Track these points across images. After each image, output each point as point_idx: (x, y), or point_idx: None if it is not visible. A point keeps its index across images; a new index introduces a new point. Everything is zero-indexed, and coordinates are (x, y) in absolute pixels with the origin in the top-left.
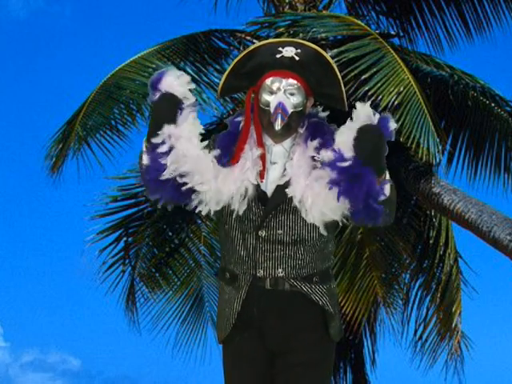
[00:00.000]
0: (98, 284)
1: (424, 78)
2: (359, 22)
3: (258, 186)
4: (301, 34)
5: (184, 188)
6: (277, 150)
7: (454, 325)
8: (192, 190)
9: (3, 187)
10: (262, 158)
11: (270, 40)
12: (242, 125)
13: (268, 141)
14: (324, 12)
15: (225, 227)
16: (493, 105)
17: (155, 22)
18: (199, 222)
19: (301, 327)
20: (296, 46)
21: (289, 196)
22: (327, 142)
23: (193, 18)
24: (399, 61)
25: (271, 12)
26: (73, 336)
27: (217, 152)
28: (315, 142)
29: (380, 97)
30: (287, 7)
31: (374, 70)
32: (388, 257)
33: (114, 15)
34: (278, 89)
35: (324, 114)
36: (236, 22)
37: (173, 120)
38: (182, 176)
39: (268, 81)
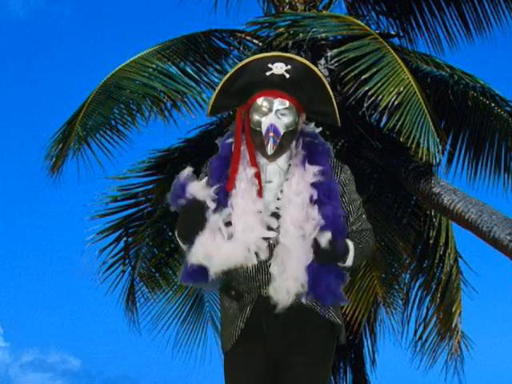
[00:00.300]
0: (98, 284)
1: (424, 78)
2: (359, 22)
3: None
4: (301, 34)
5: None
6: (271, 169)
7: (454, 325)
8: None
9: (3, 187)
10: (257, 176)
11: (259, 55)
12: (233, 146)
13: (262, 159)
14: (324, 12)
15: None
16: (493, 105)
17: (155, 21)
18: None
19: (304, 334)
20: (286, 61)
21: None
22: (324, 166)
23: (193, 17)
24: (399, 61)
25: (271, 12)
26: (73, 336)
27: (211, 178)
28: (314, 169)
29: (380, 97)
30: (287, 7)
31: (374, 70)
32: (388, 257)
33: (114, 15)
34: (269, 109)
35: (317, 130)
36: (236, 22)
37: (202, 227)
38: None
39: (259, 101)
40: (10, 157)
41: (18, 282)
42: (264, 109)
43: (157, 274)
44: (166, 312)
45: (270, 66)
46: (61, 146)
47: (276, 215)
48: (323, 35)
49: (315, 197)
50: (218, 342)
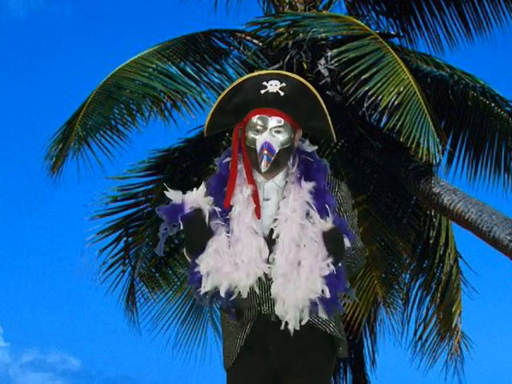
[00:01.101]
0: (98, 284)
1: (424, 78)
2: (359, 22)
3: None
4: (301, 34)
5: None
6: (269, 187)
7: (454, 325)
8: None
9: (3, 187)
10: (255, 195)
11: (254, 73)
12: (230, 164)
13: (259, 177)
14: (324, 12)
15: None
16: (493, 105)
17: (155, 21)
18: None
19: (305, 350)
20: (281, 78)
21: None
22: (320, 183)
23: (193, 17)
24: (399, 61)
25: (271, 12)
26: (73, 336)
27: (211, 197)
28: (310, 185)
29: (380, 97)
30: (287, 7)
31: (374, 70)
32: (388, 257)
33: (114, 15)
34: (264, 127)
35: (313, 148)
36: (236, 22)
37: (210, 235)
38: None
39: (253, 119)
40: (10, 157)
41: (18, 282)
42: (259, 127)
43: (157, 274)
44: (166, 312)
45: (264, 83)
46: (61, 146)
47: (273, 233)
48: (323, 35)
49: (312, 213)
50: (222, 346)
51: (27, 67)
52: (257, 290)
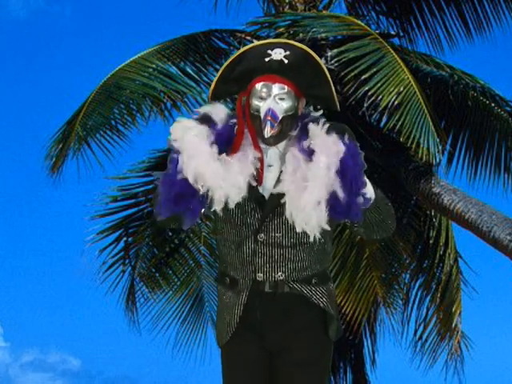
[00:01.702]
0: (98, 284)
1: (424, 78)
2: (359, 22)
3: (256, 190)
4: (301, 34)
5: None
6: (272, 153)
7: (454, 325)
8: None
9: (3, 187)
10: (260, 159)
11: (258, 42)
12: (236, 128)
13: (262, 144)
14: (324, 12)
15: (223, 232)
16: (493, 105)
17: (155, 21)
18: (199, 221)
19: (300, 327)
20: (285, 47)
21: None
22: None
23: (193, 17)
24: (399, 61)
25: (271, 12)
26: (73, 336)
27: (213, 137)
28: (309, 141)
29: (380, 97)
30: (287, 7)
31: (374, 70)
32: (388, 257)
33: (114, 15)
34: (268, 94)
35: (317, 114)
36: (236, 22)
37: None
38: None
39: (257, 86)
40: (10, 157)
41: (18, 282)
42: (263, 94)
43: (157, 274)
44: (166, 312)
45: (269, 52)
46: (61, 146)
47: (274, 196)
48: (323, 35)
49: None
50: (215, 333)
51: (27, 67)
52: (248, 252)
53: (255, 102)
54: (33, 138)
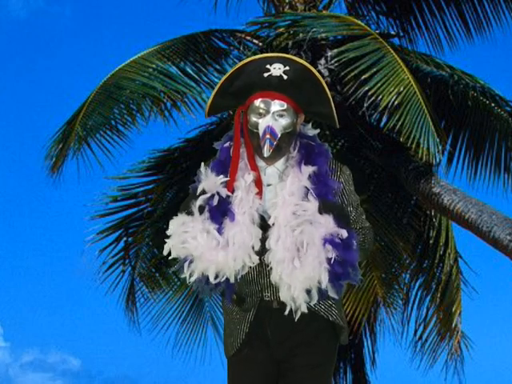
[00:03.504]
0: (98, 284)
1: (424, 78)
2: (359, 22)
3: (257, 211)
4: (301, 34)
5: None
6: (270, 172)
7: (454, 325)
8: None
9: (3, 187)
10: (258, 182)
11: (258, 56)
12: (232, 149)
13: (260, 162)
14: (324, 12)
15: None
16: (493, 105)
17: (155, 22)
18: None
19: (310, 338)
20: (284, 62)
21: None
22: (321, 167)
23: (193, 17)
24: (399, 61)
25: (271, 12)
26: (73, 336)
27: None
28: (310, 170)
29: (380, 97)
30: (287, 7)
31: (374, 70)
32: (388, 257)
33: (114, 15)
34: (267, 111)
35: (315, 132)
36: (236, 22)
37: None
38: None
39: (256, 102)
40: (10, 157)
41: (18, 282)
42: (261, 110)
43: (157, 274)
44: (166, 312)
45: (268, 67)
46: (61, 146)
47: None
48: (323, 35)
49: (309, 195)
50: (222, 346)
51: (27, 67)
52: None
53: (253, 119)
54: (33, 138)
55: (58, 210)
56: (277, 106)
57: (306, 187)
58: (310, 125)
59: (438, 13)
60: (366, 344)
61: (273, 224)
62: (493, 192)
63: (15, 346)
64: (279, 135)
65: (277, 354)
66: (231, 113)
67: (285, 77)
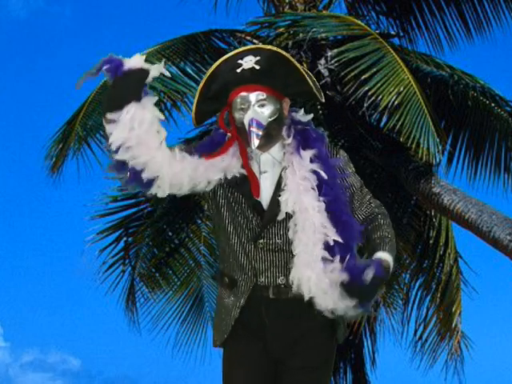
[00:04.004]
0: (98, 284)
1: (424, 78)
2: (359, 22)
3: (251, 196)
4: (301, 34)
5: (143, 177)
6: (264, 159)
7: (454, 325)
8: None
9: (3, 187)
10: (250, 174)
11: (228, 54)
12: (227, 136)
13: (254, 151)
14: (324, 12)
15: (225, 233)
16: (493, 105)
17: (155, 22)
18: (199, 222)
19: (307, 331)
20: (254, 53)
21: (284, 206)
22: (320, 151)
23: (193, 17)
24: (399, 61)
25: (271, 12)
26: (73, 336)
27: (195, 148)
28: (310, 153)
29: (380, 97)
30: (287, 7)
31: (374, 70)
32: None
33: (114, 15)
34: (247, 105)
35: (308, 117)
36: (236, 22)
37: (138, 97)
38: (137, 165)
39: (235, 99)
40: (10, 157)
41: (18, 282)
42: (242, 106)
43: (157, 274)
44: (166, 312)
45: (239, 62)
46: (61, 146)
47: (276, 204)
48: (323, 35)
49: (321, 178)
50: (212, 333)
51: (27, 67)
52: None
53: (237, 115)
54: (33, 138)
55: (58, 209)
56: (255, 97)
57: (314, 170)
58: (302, 110)
59: (438, 13)
60: (365, 344)
61: (292, 211)
62: (493, 192)
63: (15, 346)
64: (265, 124)
65: (273, 350)
66: None
67: (257, 67)
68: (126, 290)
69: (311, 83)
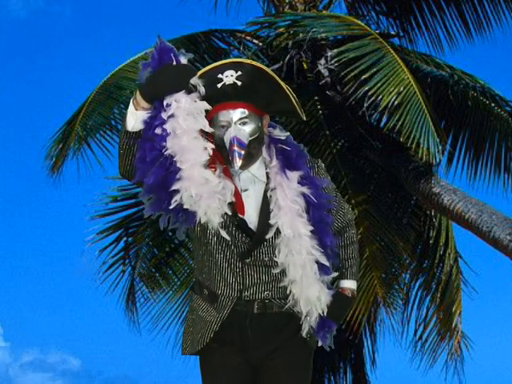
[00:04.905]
0: (98, 284)
1: (424, 78)
2: (359, 22)
3: (236, 216)
4: (301, 34)
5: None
6: (245, 177)
7: (454, 325)
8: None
9: (3, 187)
10: (236, 194)
11: (207, 68)
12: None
13: (233, 169)
14: (324, 12)
15: (208, 247)
16: (493, 105)
17: (155, 22)
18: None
19: (288, 337)
20: (234, 67)
21: (275, 228)
22: (305, 171)
23: (193, 17)
24: (399, 61)
25: (271, 12)
26: (73, 336)
27: None
28: (296, 174)
29: (380, 97)
30: (287, 7)
31: (374, 70)
32: (388, 257)
33: (114, 15)
34: (229, 123)
35: (286, 134)
36: (236, 22)
37: (186, 88)
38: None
39: (216, 116)
40: (10, 157)
41: (18, 282)
42: (223, 123)
43: (157, 274)
44: (166, 312)
45: (220, 76)
46: (61, 146)
47: (266, 225)
48: (323, 35)
49: (308, 201)
50: (182, 340)
51: (27, 67)
52: (232, 279)
53: (217, 133)
54: (33, 138)
55: (58, 209)
56: (237, 114)
57: (303, 192)
58: (279, 127)
59: (438, 13)
60: (365, 344)
61: (284, 234)
62: (493, 192)
63: (15, 346)
64: (246, 143)
65: (253, 358)
66: None
67: (239, 83)
68: (126, 290)
69: (294, 101)
